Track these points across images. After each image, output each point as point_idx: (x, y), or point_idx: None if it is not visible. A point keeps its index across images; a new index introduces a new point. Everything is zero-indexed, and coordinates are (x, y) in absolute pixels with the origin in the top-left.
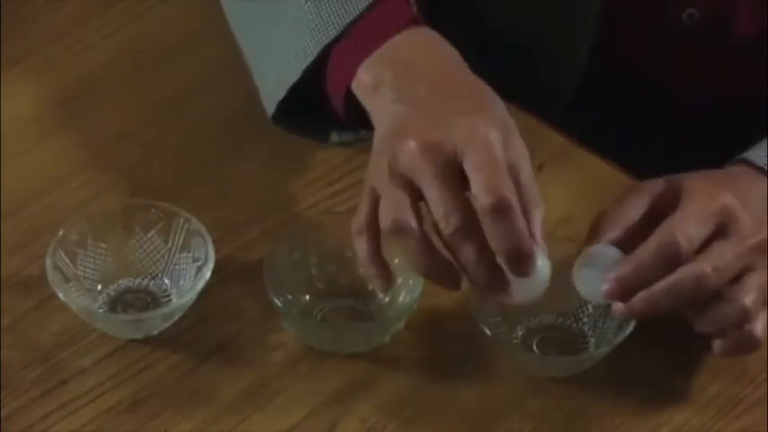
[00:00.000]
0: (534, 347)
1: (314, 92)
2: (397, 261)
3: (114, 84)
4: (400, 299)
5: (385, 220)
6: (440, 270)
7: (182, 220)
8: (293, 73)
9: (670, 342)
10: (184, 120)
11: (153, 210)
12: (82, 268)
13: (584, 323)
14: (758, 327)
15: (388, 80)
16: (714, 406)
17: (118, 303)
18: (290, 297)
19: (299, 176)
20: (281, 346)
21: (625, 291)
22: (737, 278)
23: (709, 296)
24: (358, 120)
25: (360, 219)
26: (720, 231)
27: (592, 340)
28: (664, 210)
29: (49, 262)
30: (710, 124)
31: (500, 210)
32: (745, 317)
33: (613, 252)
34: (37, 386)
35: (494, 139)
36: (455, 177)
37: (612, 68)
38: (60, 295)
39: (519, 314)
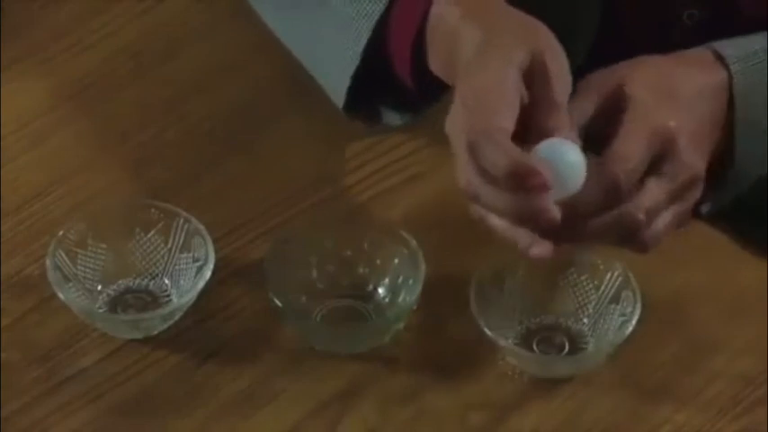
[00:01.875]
0: (534, 347)
1: (380, 79)
2: (397, 261)
3: (114, 84)
4: (400, 299)
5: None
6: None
7: (182, 220)
8: (353, 59)
9: (670, 342)
10: (184, 120)
11: (153, 210)
12: (82, 268)
13: (584, 323)
14: (647, 235)
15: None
16: (714, 406)
17: (118, 303)
18: (290, 297)
19: (299, 176)
20: (281, 346)
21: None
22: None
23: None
24: (426, 84)
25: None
26: (658, 160)
27: (592, 340)
28: (611, 108)
29: (49, 262)
30: None
31: (472, 144)
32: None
33: (573, 149)
34: (37, 386)
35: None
36: None
37: None
38: (60, 295)
39: (519, 314)
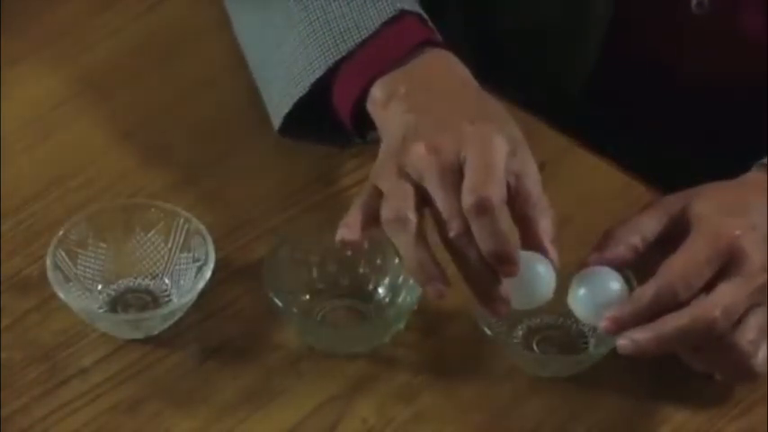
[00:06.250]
0: (534, 347)
1: (319, 102)
2: (397, 261)
3: (114, 84)
4: (400, 299)
5: (385, 213)
6: (429, 269)
7: (182, 220)
8: (300, 87)
9: None
10: (184, 120)
11: (153, 210)
12: (82, 268)
13: (584, 323)
14: (758, 362)
15: (400, 93)
16: (714, 406)
17: (118, 303)
18: (290, 297)
19: (299, 176)
20: (281, 346)
21: (621, 329)
22: (741, 317)
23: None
24: (366, 129)
25: (355, 205)
26: (728, 269)
27: (592, 340)
28: (677, 231)
29: (49, 262)
30: (720, 117)
31: (480, 209)
32: (745, 357)
33: (611, 277)
34: (37, 386)
35: (497, 145)
36: (460, 181)
37: (623, 59)
38: (60, 295)
39: (519, 314)
